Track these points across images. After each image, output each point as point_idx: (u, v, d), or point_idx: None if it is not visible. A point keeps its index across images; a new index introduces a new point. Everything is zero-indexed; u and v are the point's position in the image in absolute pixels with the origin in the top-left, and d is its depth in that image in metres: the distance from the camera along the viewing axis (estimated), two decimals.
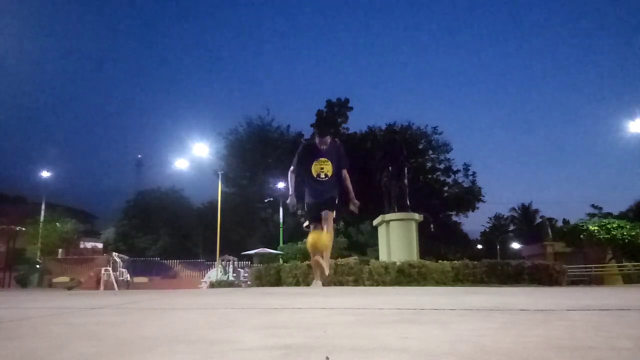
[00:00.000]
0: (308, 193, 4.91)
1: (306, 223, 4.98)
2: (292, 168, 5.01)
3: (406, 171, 11.53)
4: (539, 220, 46.67)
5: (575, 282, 15.96)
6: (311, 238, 4.74)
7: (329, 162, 4.81)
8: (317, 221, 4.81)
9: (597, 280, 18.10)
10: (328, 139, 4.82)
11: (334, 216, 4.83)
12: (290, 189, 4.98)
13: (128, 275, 15.63)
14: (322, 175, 4.81)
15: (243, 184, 35.80)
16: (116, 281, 14.27)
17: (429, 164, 36.20)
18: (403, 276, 8.08)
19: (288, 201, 5.06)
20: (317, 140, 4.84)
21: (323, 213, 4.73)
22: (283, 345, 1.16)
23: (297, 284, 9.25)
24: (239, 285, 15.50)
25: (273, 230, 32.94)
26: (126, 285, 14.76)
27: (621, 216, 27.94)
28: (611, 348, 1.08)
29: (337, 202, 4.87)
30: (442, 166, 36.23)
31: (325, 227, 4.72)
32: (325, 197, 4.81)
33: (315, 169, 4.83)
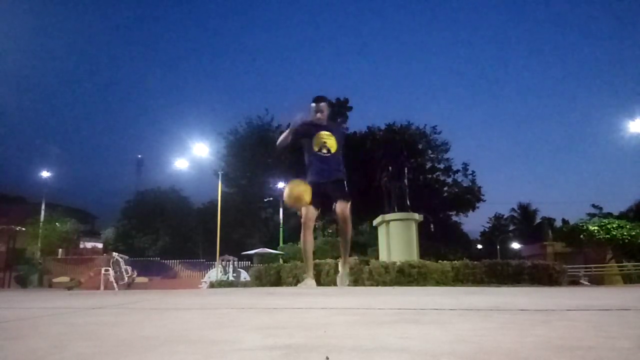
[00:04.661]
0: (310, 172, 4.17)
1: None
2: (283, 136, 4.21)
3: (406, 171, 11.54)
4: (539, 220, 46.68)
5: (575, 282, 15.97)
6: (289, 187, 3.90)
7: (332, 137, 4.13)
8: (316, 205, 4.05)
9: (597, 280, 18.10)
10: (325, 107, 4.18)
11: (349, 206, 4.06)
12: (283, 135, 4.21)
13: (134, 274, 15.64)
14: (324, 151, 4.10)
15: (243, 184, 35.78)
16: (116, 281, 14.27)
17: (428, 164, 36.18)
18: (403, 276, 8.08)
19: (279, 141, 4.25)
20: (313, 107, 4.16)
21: (338, 204, 3.99)
22: (283, 345, 1.16)
23: (298, 284, 9.25)
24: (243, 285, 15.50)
25: (273, 230, 32.95)
26: (126, 285, 14.76)
27: (621, 216, 27.93)
28: (611, 348, 1.08)
29: (346, 185, 4.17)
30: (441, 166, 36.23)
31: (341, 218, 4.01)
32: (332, 178, 4.07)
33: (316, 142, 4.11)
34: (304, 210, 4.05)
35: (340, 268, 4.55)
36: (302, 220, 4.10)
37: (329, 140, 4.11)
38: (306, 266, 4.28)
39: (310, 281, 4.18)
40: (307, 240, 4.12)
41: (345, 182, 4.19)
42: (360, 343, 1.20)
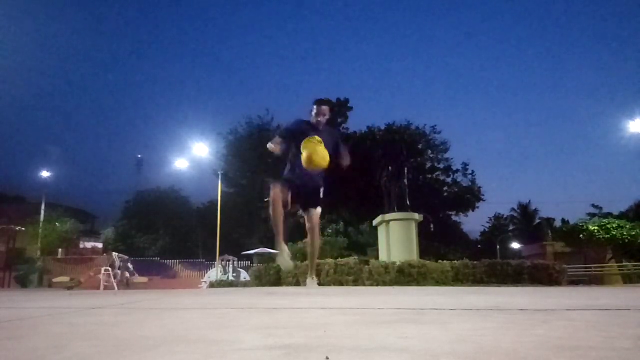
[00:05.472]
0: (291, 170, 4.07)
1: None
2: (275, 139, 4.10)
3: (406, 171, 11.56)
4: (538, 220, 46.69)
5: (575, 282, 15.98)
6: (307, 150, 3.72)
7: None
8: (285, 194, 3.93)
9: (597, 280, 18.11)
10: (327, 111, 4.09)
11: (319, 212, 4.07)
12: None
13: (128, 274, 15.64)
14: None
15: (243, 184, 35.79)
16: (115, 281, 14.27)
17: (428, 164, 36.20)
18: (403, 276, 8.09)
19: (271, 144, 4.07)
20: (314, 110, 4.08)
21: (309, 212, 4.02)
22: (283, 345, 1.16)
23: (297, 284, 9.26)
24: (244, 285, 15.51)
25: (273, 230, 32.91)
26: (126, 286, 14.76)
27: (621, 216, 27.91)
28: (611, 348, 1.08)
29: (321, 194, 4.12)
30: (441, 166, 36.26)
31: (310, 227, 4.03)
32: (309, 186, 4.03)
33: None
34: (273, 190, 3.94)
35: (308, 279, 4.43)
36: (271, 197, 3.94)
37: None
38: (277, 236, 4.08)
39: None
40: (277, 211, 3.94)
41: (321, 190, 4.14)
42: (360, 343, 1.20)
